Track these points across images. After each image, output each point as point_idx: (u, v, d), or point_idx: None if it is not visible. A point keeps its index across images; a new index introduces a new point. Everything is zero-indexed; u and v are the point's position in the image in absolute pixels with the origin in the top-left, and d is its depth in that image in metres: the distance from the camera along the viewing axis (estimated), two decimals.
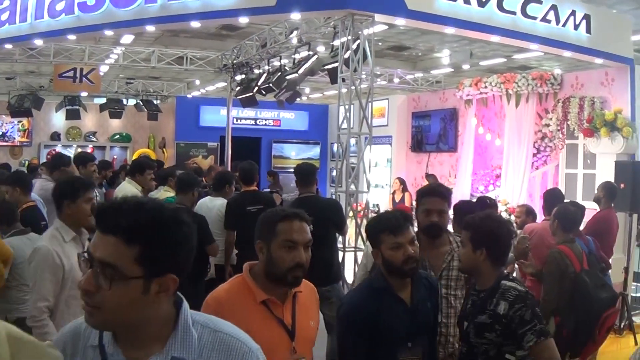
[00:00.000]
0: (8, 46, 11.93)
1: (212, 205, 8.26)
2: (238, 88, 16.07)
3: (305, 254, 3.12)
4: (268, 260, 3.13)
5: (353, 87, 9.56)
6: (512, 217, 10.74)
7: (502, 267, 3.85)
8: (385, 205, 15.11)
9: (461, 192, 14.03)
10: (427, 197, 4.44)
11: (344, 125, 9.67)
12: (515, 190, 13.10)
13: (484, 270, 3.79)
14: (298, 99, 15.35)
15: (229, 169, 13.94)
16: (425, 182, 13.40)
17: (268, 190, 12.64)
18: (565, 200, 7.40)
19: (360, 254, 8.35)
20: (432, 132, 16.92)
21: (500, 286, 3.70)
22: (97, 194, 9.21)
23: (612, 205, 8.90)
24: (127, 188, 8.43)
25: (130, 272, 1.81)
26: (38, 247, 4.36)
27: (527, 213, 8.49)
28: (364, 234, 9.62)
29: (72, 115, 20.52)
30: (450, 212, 6.15)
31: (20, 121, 21.42)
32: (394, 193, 14.36)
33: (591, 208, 8.95)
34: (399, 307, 3.60)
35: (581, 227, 6.92)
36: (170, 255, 1.86)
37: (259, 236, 3.22)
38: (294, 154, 22.16)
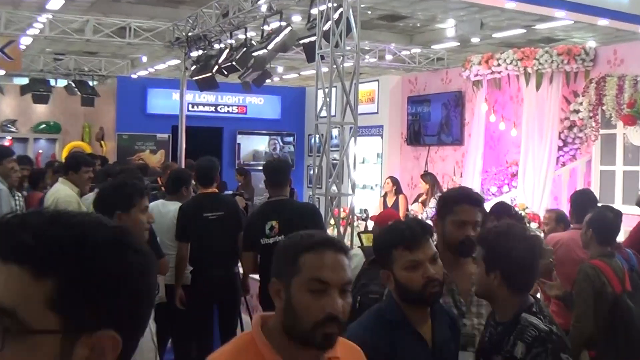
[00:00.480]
0: None
1: (165, 211, 8.16)
2: (194, 67, 16.00)
3: (343, 301, 2.63)
4: (287, 309, 2.65)
5: (335, 66, 9.49)
6: (532, 225, 10.68)
7: (525, 295, 3.73)
8: (375, 211, 15.04)
9: None
10: (462, 204, 4.28)
11: (324, 113, 9.59)
12: (536, 192, 13.06)
13: (500, 297, 3.69)
14: (268, 81, 15.31)
15: (184, 167, 13.82)
16: (423, 183, 13.38)
17: (231, 192, 12.53)
18: (599, 205, 7.31)
19: None
20: (433, 121, 16.90)
21: (519, 320, 3.59)
22: (18, 198, 9.06)
23: None
24: (61, 190, 8.26)
25: (38, 321, 1.36)
26: None
27: (558, 220, 8.25)
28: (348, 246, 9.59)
29: None
30: None
31: None
32: (385, 196, 14.28)
33: (632, 214, 8.87)
34: (418, 347, 3.45)
35: (619, 238, 6.84)
36: (107, 298, 1.42)
37: (275, 272, 2.76)
38: (264, 147, 22.07)
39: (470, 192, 4.56)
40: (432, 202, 12.33)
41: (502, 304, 3.70)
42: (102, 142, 21.74)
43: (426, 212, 12.28)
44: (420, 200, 13.31)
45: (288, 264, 2.67)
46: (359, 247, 7.21)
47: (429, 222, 12.19)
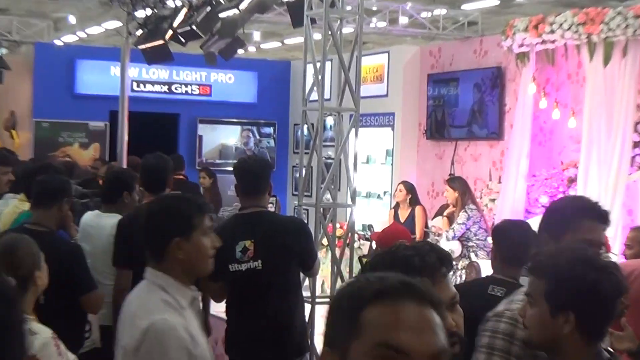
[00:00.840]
0: None
1: (101, 225, 8.14)
2: (140, 32, 15.97)
3: None
4: None
5: (330, 33, 9.51)
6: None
7: (599, 345, 3.71)
8: (384, 226, 15.08)
9: (511, 205, 13.99)
10: (588, 219, 4.36)
11: (315, 96, 9.62)
12: (603, 202, 13.02)
13: (570, 348, 3.63)
14: (240, 52, 15.31)
15: (126, 166, 13.86)
16: (449, 191, 13.22)
17: None
18: None
19: None
20: (462, 107, 17.01)
21: None
22: None
23: None
24: None
25: None
26: (154, 323, 4.15)
27: None
28: (345, 275, 9.57)
29: None
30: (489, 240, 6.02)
31: None
32: (396, 207, 14.33)
33: None
34: None
35: None
36: None
37: (328, 338, 2.38)
38: (234, 141, 22.10)
39: (597, 204, 4.57)
40: (462, 217, 12.27)
41: (570, 356, 3.64)
42: (13, 131, 21.59)
43: (453, 230, 12.23)
44: (445, 213, 13.19)
45: (345, 323, 2.24)
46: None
47: (456, 243, 12.20)
